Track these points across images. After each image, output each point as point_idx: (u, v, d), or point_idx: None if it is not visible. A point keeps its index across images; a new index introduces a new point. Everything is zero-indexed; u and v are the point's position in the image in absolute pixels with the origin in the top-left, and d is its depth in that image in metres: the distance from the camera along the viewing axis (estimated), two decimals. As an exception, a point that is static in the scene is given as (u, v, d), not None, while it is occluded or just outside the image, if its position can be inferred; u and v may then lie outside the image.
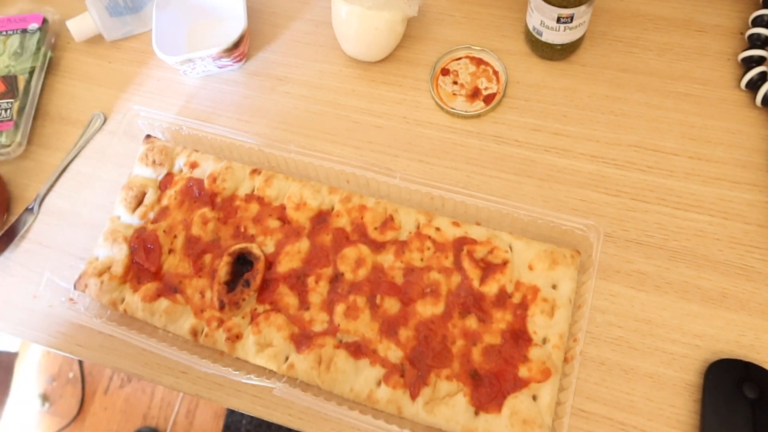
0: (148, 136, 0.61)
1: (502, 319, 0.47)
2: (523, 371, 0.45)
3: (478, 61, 0.63)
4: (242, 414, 1.35)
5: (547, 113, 0.60)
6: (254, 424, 1.33)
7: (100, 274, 0.54)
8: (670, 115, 0.58)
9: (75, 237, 0.57)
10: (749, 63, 0.57)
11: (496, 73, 0.62)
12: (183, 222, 0.55)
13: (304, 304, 0.50)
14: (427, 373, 0.46)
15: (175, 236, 0.55)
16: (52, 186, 0.64)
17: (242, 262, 0.53)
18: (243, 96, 0.66)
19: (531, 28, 0.60)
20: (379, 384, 0.47)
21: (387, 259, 0.51)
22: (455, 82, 0.62)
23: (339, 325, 0.49)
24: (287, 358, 0.49)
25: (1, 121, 0.65)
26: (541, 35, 0.59)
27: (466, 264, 0.49)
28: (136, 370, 0.53)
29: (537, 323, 0.47)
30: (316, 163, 0.55)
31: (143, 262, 0.54)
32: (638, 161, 0.56)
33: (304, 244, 0.53)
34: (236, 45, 0.63)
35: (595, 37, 0.63)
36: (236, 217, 0.55)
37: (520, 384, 0.45)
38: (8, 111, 0.65)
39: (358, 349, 0.48)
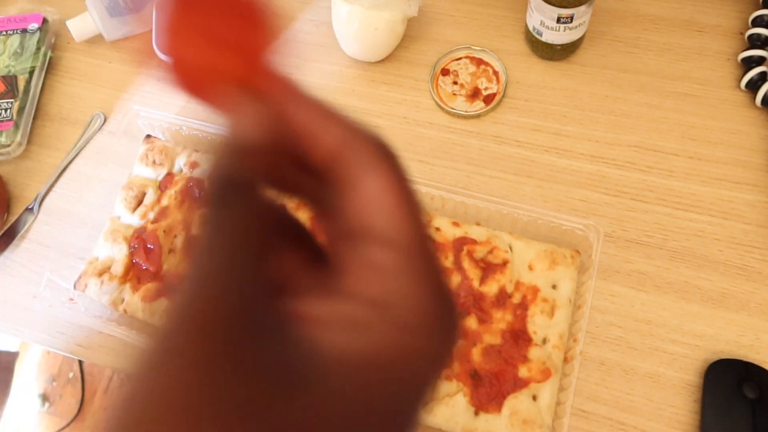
0: (148, 136, 0.61)
1: (502, 319, 0.47)
2: (523, 371, 0.45)
3: (478, 61, 0.63)
4: (242, 414, 1.35)
5: (547, 113, 0.60)
6: (254, 424, 1.33)
7: (100, 274, 0.54)
8: (670, 115, 0.58)
9: (75, 237, 0.57)
10: (749, 63, 0.57)
11: (496, 73, 0.62)
12: (183, 222, 0.55)
13: (304, 304, 0.50)
14: (427, 373, 0.46)
15: (175, 236, 0.55)
16: (52, 186, 0.64)
17: (242, 262, 0.53)
18: (243, 96, 0.66)
19: (531, 28, 0.60)
20: (379, 384, 0.47)
21: (387, 259, 0.51)
22: (455, 82, 0.62)
23: (339, 325, 0.49)
24: (287, 358, 0.49)
25: (1, 121, 0.65)
26: (541, 35, 0.59)
27: (466, 264, 0.49)
28: (136, 370, 0.53)
29: (537, 323, 0.47)
30: (316, 163, 0.55)
31: (143, 262, 0.54)
32: (638, 161, 0.56)
33: (304, 244, 0.53)
34: (236, 45, 0.63)
35: (595, 37, 0.63)
36: (236, 217, 0.55)
37: (520, 384, 0.45)
38: (8, 111, 0.65)
39: (358, 349, 0.48)
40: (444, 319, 0.17)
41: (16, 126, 0.65)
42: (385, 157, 0.17)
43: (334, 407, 0.15)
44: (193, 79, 0.20)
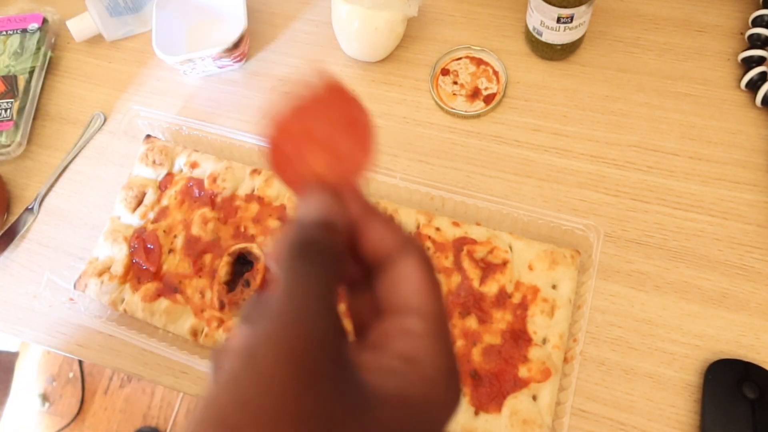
0: (148, 136, 0.61)
1: (502, 320, 0.47)
2: (523, 371, 0.45)
3: (478, 61, 0.63)
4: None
5: (547, 113, 0.60)
6: (254, 424, 1.33)
7: (100, 274, 0.54)
8: (670, 115, 0.58)
9: (75, 237, 0.57)
10: (749, 63, 0.57)
11: (496, 73, 0.62)
12: (183, 222, 0.55)
13: (304, 304, 0.50)
14: (427, 373, 0.46)
15: (175, 236, 0.55)
16: (52, 186, 0.64)
17: (242, 262, 0.53)
18: (243, 96, 0.66)
19: (531, 28, 0.60)
20: (379, 384, 0.47)
21: (387, 259, 0.51)
22: (455, 82, 0.62)
23: (339, 325, 0.49)
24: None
25: (1, 121, 0.65)
26: (541, 35, 0.59)
27: (466, 264, 0.49)
28: (136, 370, 0.53)
29: (537, 323, 0.47)
30: (316, 163, 0.55)
31: (143, 262, 0.54)
32: (638, 161, 0.56)
33: (304, 244, 0.52)
34: (236, 45, 0.63)
35: (595, 37, 0.63)
36: (236, 217, 0.55)
37: (520, 384, 0.45)
38: (8, 111, 0.65)
39: (358, 349, 0.48)
40: (454, 375, 0.22)
41: (16, 126, 0.65)
42: (422, 257, 0.23)
43: (380, 430, 0.19)
44: (291, 170, 0.23)
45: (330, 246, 0.22)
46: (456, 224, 0.51)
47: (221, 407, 0.17)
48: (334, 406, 0.18)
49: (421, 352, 0.21)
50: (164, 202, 0.57)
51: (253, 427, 0.17)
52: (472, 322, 0.48)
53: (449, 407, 0.22)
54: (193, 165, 0.58)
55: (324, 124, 0.23)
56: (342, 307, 0.24)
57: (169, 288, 0.53)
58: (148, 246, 0.55)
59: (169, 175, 0.58)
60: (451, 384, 0.22)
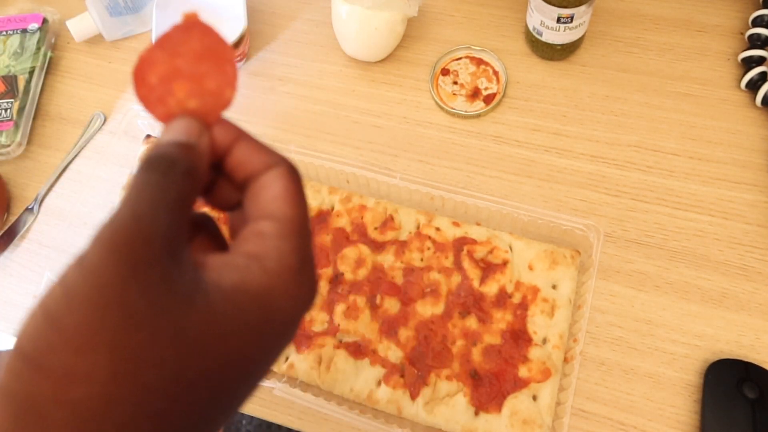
0: (148, 136, 0.61)
1: (502, 319, 0.47)
2: (523, 371, 0.45)
3: (478, 61, 0.63)
4: (242, 414, 1.35)
5: (547, 113, 0.60)
6: (254, 424, 1.33)
7: (100, 274, 0.54)
8: (670, 115, 0.58)
9: (75, 237, 0.57)
10: (749, 63, 0.57)
11: (496, 73, 0.62)
12: (183, 222, 0.55)
13: (304, 304, 0.50)
14: (427, 373, 0.46)
15: (175, 236, 0.55)
16: (52, 186, 0.64)
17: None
18: (243, 96, 0.66)
19: (531, 28, 0.60)
20: (379, 384, 0.47)
21: (387, 259, 0.51)
22: (455, 82, 0.62)
23: (339, 325, 0.49)
24: (287, 358, 0.49)
25: (1, 121, 0.65)
26: (541, 35, 0.59)
27: (466, 264, 0.49)
28: (136, 370, 0.53)
29: (537, 323, 0.47)
30: (316, 163, 0.55)
31: (143, 262, 0.54)
32: (638, 161, 0.56)
33: (304, 244, 0.52)
34: (236, 45, 0.63)
35: (595, 37, 0.63)
36: (236, 217, 0.55)
37: (520, 384, 0.45)
38: (8, 111, 0.65)
39: (358, 349, 0.48)
40: (302, 272, 0.23)
41: (16, 126, 0.65)
42: (288, 170, 0.24)
43: (214, 320, 0.20)
44: (158, 102, 0.25)
45: (184, 161, 0.22)
46: (456, 224, 0.51)
47: (49, 300, 0.19)
48: (160, 294, 0.19)
49: (267, 250, 0.22)
50: (164, 202, 0.57)
51: (75, 313, 0.18)
52: (472, 322, 0.48)
53: (298, 300, 0.23)
54: (193, 165, 0.58)
55: (188, 59, 0.25)
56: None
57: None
58: (148, 246, 0.54)
59: (169, 175, 0.58)
60: (301, 279, 0.23)
